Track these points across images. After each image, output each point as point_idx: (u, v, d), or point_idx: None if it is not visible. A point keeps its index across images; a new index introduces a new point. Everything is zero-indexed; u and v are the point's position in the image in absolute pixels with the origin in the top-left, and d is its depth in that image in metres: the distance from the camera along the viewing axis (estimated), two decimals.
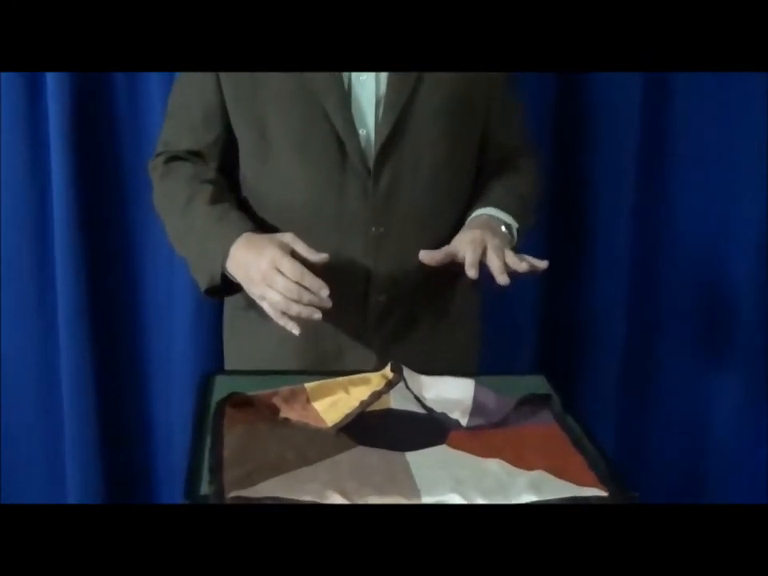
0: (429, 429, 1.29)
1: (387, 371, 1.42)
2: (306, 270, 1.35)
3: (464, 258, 1.42)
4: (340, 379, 1.38)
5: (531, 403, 1.36)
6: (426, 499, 1.11)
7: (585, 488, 1.14)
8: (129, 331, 1.97)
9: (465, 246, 1.43)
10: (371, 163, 1.49)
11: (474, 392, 1.36)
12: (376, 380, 1.40)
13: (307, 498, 1.10)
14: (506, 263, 1.40)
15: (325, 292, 1.34)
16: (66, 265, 1.86)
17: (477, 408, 1.34)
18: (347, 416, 1.31)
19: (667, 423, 2.06)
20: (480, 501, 1.11)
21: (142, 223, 1.92)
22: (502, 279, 1.39)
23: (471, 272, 1.40)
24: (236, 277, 1.45)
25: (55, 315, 1.90)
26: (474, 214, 1.54)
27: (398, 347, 1.58)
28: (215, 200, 1.52)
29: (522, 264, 1.40)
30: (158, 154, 1.62)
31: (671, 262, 1.98)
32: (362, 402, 1.35)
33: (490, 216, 1.53)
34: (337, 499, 1.09)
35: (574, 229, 1.91)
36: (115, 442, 2.00)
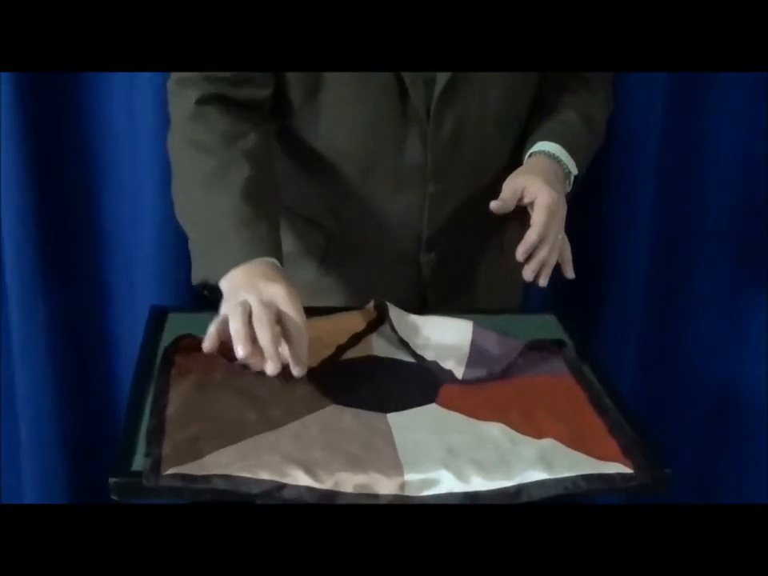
0: (417, 383, 1.08)
1: (370, 309, 1.21)
2: (268, 330, 1.01)
3: (531, 203, 1.21)
4: (315, 319, 1.17)
5: (541, 349, 1.15)
6: (410, 477, 0.90)
7: (605, 462, 0.94)
8: (86, 257, 1.75)
9: (538, 201, 1.21)
10: (433, 106, 1.25)
11: (473, 335, 1.15)
12: (355, 320, 1.19)
13: (264, 475, 0.89)
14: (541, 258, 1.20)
15: (269, 368, 1.01)
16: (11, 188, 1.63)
17: (475, 355, 1.13)
18: (321, 363, 1.09)
19: (694, 371, 1.85)
20: (476, 479, 0.90)
21: (103, 134, 1.68)
22: (529, 276, 1.20)
23: (522, 250, 1.19)
24: (221, 287, 1.14)
25: None
26: (536, 148, 1.30)
27: (451, 301, 1.37)
28: (249, 189, 1.17)
29: (544, 272, 1.20)
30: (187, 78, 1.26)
31: (698, 197, 1.75)
32: (338, 347, 1.14)
33: (555, 160, 1.29)
34: (300, 477, 0.89)
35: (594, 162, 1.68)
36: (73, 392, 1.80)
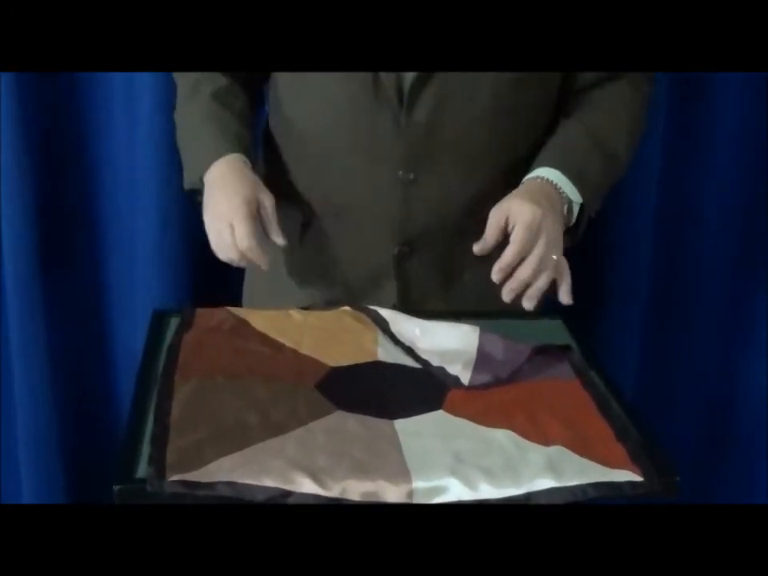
0: (423, 388, 1.07)
1: (372, 310, 1.21)
2: (255, 244, 1.19)
3: (511, 231, 1.18)
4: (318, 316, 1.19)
5: (547, 353, 1.14)
6: (418, 484, 0.89)
7: (613, 470, 0.92)
8: (86, 259, 1.74)
9: (518, 219, 1.17)
10: (406, 91, 1.22)
11: (479, 341, 1.14)
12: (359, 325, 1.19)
13: (269, 482, 0.88)
14: (522, 280, 1.18)
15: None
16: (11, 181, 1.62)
17: (482, 360, 1.11)
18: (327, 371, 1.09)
19: (696, 374, 1.84)
20: (485, 486, 0.89)
21: (102, 133, 1.67)
22: (507, 297, 1.19)
23: (497, 268, 1.17)
24: (204, 191, 1.25)
25: None
26: (534, 174, 1.25)
27: (425, 300, 1.33)
28: (220, 95, 1.31)
29: (529, 293, 1.18)
30: None
31: (701, 201, 1.75)
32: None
33: (552, 186, 1.24)
34: (305, 485, 0.88)
35: None
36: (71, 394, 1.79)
